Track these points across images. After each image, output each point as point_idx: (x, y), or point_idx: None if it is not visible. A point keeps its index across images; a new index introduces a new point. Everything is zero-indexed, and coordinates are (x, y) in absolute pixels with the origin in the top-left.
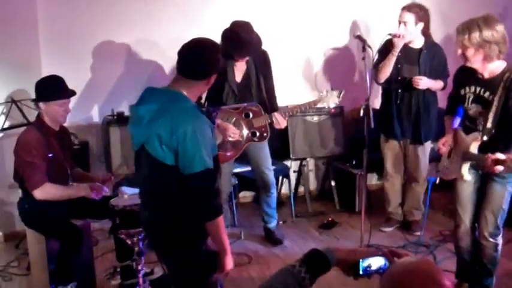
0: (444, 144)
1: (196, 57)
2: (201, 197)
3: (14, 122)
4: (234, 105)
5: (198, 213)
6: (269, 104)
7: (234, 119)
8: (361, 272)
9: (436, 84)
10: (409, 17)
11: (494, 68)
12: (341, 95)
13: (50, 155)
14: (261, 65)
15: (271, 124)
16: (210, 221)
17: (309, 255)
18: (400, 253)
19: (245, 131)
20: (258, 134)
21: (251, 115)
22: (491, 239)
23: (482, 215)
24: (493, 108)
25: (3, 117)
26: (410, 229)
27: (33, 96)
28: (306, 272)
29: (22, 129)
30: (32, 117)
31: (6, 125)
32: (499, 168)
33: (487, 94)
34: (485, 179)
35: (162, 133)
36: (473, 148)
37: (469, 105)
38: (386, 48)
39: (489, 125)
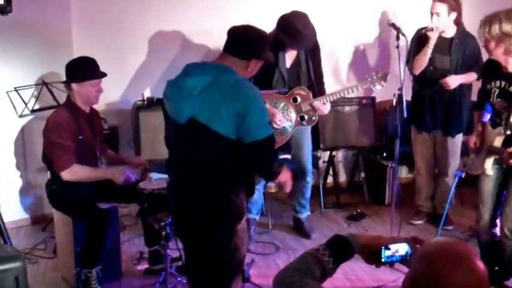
0: (475, 142)
1: (243, 35)
2: (264, 163)
3: (44, 104)
4: (283, 89)
5: (261, 176)
6: (317, 90)
7: (283, 103)
8: (384, 259)
9: (467, 78)
10: (442, 8)
11: None
12: (387, 77)
13: (80, 137)
14: (311, 51)
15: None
16: (272, 181)
17: (332, 240)
18: (423, 240)
19: (294, 116)
20: (306, 117)
21: (299, 99)
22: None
23: (503, 210)
24: None
25: (33, 99)
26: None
27: (64, 79)
28: (330, 256)
29: (52, 111)
30: (62, 99)
31: (37, 107)
32: None
33: (511, 88)
34: (507, 175)
35: (221, 104)
36: (497, 142)
37: (495, 99)
38: (419, 39)
39: None
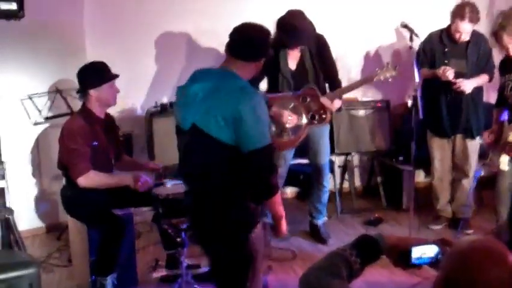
0: (489, 136)
1: (247, 37)
2: (261, 174)
3: (58, 112)
4: (289, 92)
5: (256, 192)
6: (331, 86)
7: (292, 104)
8: (412, 261)
9: (480, 80)
10: (469, 28)
11: None
12: (397, 68)
13: (95, 143)
14: (317, 50)
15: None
16: (268, 199)
17: (360, 240)
18: (452, 242)
19: (304, 116)
20: (317, 116)
21: (308, 99)
22: None
23: None
24: None
25: (47, 107)
26: (463, 227)
27: (77, 86)
28: (357, 256)
29: (66, 118)
30: (76, 107)
31: (50, 114)
32: None
33: None
34: None
35: (219, 110)
36: (511, 137)
37: (509, 92)
38: (430, 44)
39: None
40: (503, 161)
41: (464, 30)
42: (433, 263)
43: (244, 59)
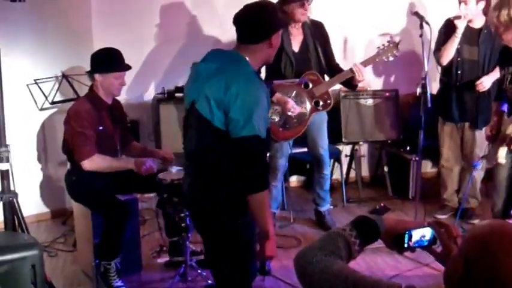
0: (490, 130)
1: (252, 19)
2: (247, 165)
3: (64, 97)
4: (290, 80)
5: (241, 183)
6: (336, 69)
7: (295, 91)
8: (409, 244)
9: (498, 74)
10: None
11: None
12: (398, 46)
13: (100, 128)
14: (318, 36)
15: (352, 79)
16: (252, 193)
17: (358, 221)
18: (447, 224)
19: (308, 102)
20: (321, 102)
21: (311, 85)
22: None
23: None
24: None
25: (53, 92)
26: (465, 217)
27: (83, 71)
28: (357, 237)
29: (73, 103)
30: (82, 92)
31: (57, 99)
32: None
33: None
34: None
35: (213, 92)
36: (510, 130)
37: (507, 85)
38: (447, 29)
39: None
40: (501, 154)
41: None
42: (429, 246)
43: (252, 41)
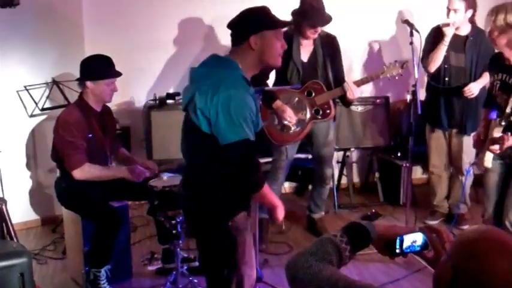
0: (478, 137)
1: (235, 21)
2: (239, 169)
3: (55, 104)
4: (294, 86)
5: (233, 186)
6: (337, 82)
7: (297, 98)
8: (400, 250)
9: (485, 80)
10: (460, 4)
11: None
12: (404, 66)
13: (90, 135)
14: (329, 48)
15: (344, 96)
16: (252, 194)
17: (349, 227)
18: (438, 229)
19: (308, 110)
20: (321, 111)
21: (313, 93)
22: None
23: (504, 203)
24: None
25: (44, 99)
26: (456, 223)
27: (74, 78)
28: (347, 243)
29: (62, 110)
30: (72, 98)
31: (47, 105)
32: (495, 147)
33: (511, 81)
34: (511, 169)
35: (199, 97)
36: (496, 134)
37: (496, 92)
38: (435, 36)
39: (508, 110)
40: (488, 158)
41: (452, 5)
42: (420, 251)
43: (238, 43)
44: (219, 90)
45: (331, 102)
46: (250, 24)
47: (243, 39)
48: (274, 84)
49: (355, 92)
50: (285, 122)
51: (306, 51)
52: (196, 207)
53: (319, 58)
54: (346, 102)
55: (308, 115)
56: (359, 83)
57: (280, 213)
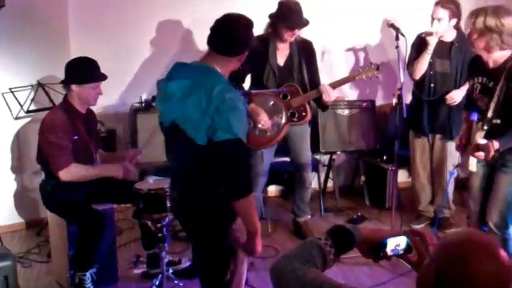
0: (460, 139)
1: (230, 33)
2: (230, 169)
3: (40, 106)
4: (270, 90)
5: (226, 191)
6: (313, 86)
7: (272, 102)
8: (385, 252)
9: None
10: (443, 14)
11: (498, 57)
12: (380, 68)
13: (75, 137)
14: (305, 53)
15: (319, 98)
16: (238, 199)
17: (334, 230)
18: (422, 232)
19: (284, 113)
20: (297, 114)
21: (289, 96)
22: (497, 232)
23: (488, 205)
24: (495, 98)
25: (29, 101)
26: (441, 226)
27: (59, 80)
28: (332, 246)
29: (47, 112)
30: (57, 100)
31: (32, 108)
32: (480, 154)
33: (491, 84)
34: (494, 171)
35: (195, 109)
36: (479, 138)
37: (477, 95)
38: (418, 45)
39: (490, 114)
40: (472, 162)
41: (436, 15)
42: (404, 254)
43: (228, 54)
44: (217, 95)
45: (307, 106)
46: (249, 41)
47: (238, 53)
48: (250, 88)
49: (331, 94)
50: (259, 125)
51: (282, 55)
52: (200, 208)
53: (295, 61)
54: (322, 104)
55: (284, 118)
56: (335, 85)
57: (259, 244)
